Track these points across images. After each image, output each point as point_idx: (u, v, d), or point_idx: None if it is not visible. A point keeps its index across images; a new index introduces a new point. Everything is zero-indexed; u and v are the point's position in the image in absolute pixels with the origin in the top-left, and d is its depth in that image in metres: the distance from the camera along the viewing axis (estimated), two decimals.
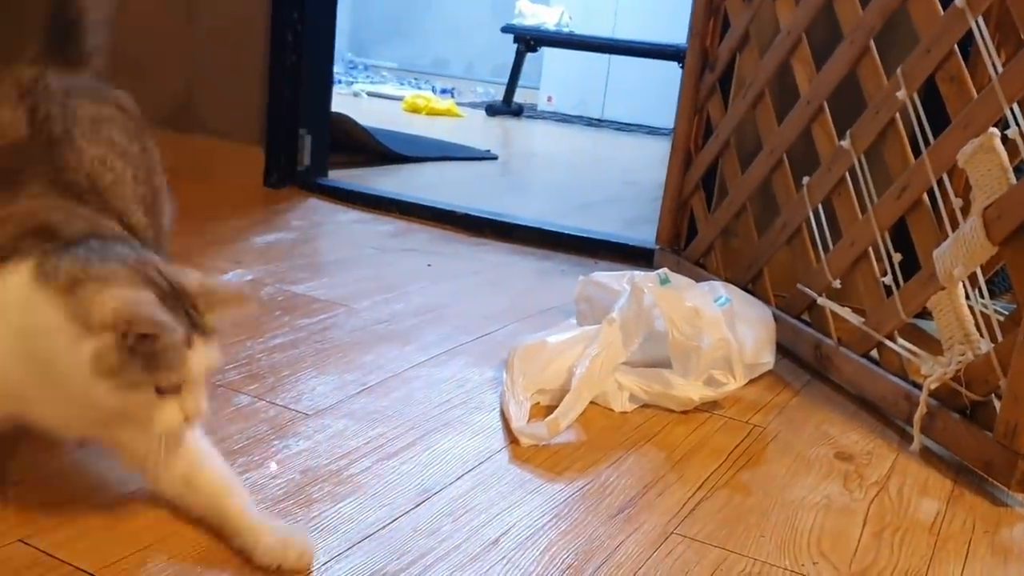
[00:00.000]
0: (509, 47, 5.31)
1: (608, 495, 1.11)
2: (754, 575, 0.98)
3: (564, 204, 2.93)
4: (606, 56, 5.46)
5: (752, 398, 1.46)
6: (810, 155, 1.68)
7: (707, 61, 2.03)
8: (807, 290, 1.65)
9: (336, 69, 6.09)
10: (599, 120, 5.59)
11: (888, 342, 1.47)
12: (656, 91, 5.05)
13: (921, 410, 1.34)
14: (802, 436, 1.35)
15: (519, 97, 5.41)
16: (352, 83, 5.78)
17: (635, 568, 0.97)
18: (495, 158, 3.67)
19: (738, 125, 1.90)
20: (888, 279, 1.48)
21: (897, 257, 1.48)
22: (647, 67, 5.11)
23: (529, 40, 5.26)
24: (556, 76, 5.73)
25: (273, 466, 1.09)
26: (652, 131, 5.22)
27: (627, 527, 1.05)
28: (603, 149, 4.62)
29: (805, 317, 1.68)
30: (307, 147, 2.56)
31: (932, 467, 1.29)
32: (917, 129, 1.45)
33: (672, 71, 4.26)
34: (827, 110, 1.64)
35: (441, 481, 1.10)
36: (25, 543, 0.89)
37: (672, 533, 1.05)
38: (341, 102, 4.32)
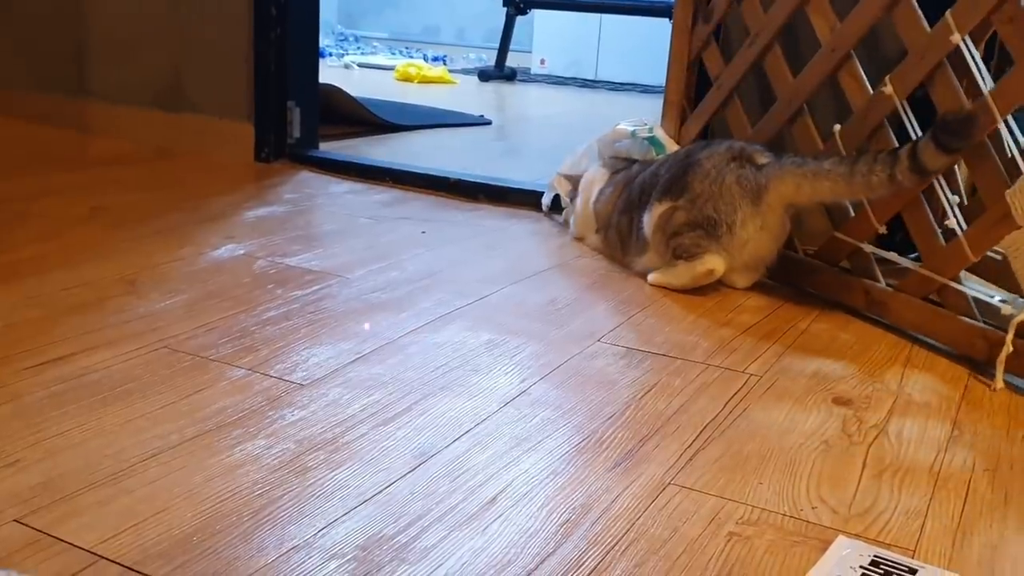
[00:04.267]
0: (499, 11, 5.26)
1: (605, 450, 1.11)
2: (752, 522, 0.98)
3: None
4: (597, 16, 5.42)
5: (748, 347, 1.46)
6: (821, 103, 1.69)
7: (698, 12, 2.01)
8: (847, 239, 1.65)
9: (327, 42, 6.08)
10: (593, 81, 5.55)
11: (955, 284, 1.47)
12: (649, 49, 5.01)
13: (1007, 349, 1.35)
14: (799, 383, 1.34)
15: (512, 61, 5.37)
16: (343, 55, 5.74)
17: (632, 520, 0.97)
18: (489, 123, 3.65)
19: (741, 77, 1.89)
20: (952, 222, 1.49)
21: (955, 199, 1.50)
22: (638, 25, 5.07)
23: (519, 3, 5.21)
24: (548, 38, 5.68)
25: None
26: (646, 89, 5.19)
27: (624, 480, 1.04)
28: (597, 109, 4.59)
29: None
30: (296, 120, 2.55)
31: (931, 409, 1.29)
32: (976, 72, 1.45)
33: (663, 28, 4.21)
34: (855, 57, 1.64)
35: (438, 444, 1.10)
36: (20, 523, 0.89)
37: (669, 484, 1.04)
38: (333, 75, 4.30)
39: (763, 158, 1.66)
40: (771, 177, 1.62)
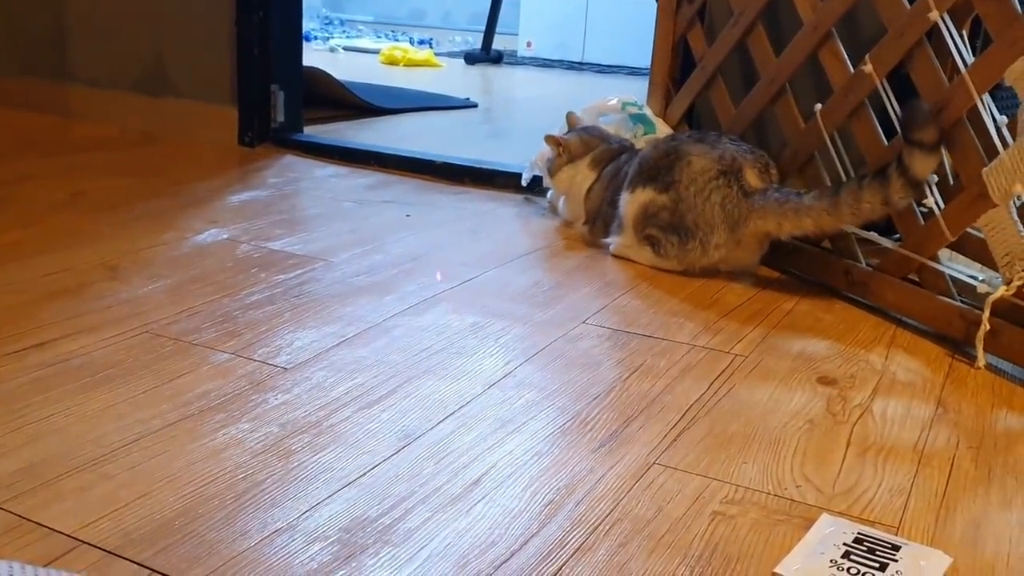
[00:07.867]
0: None
1: (589, 430, 1.11)
2: (737, 501, 0.98)
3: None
4: None
5: (733, 328, 1.46)
6: (802, 83, 1.68)
7: None
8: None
9: (312, 25, 6.03)
10: (579, 63, 5.53)
11: (933, 264, 1.48)
12: (635, 31, 4.99)
13: (984, 328, 1.36)
14: (784, 363, 1.34)
15: (498, 44, 5.34)
16: (328, 39, 5.71)
17: (616, 500, 0.97)
18: (475, 106, 3.63)
19: (725, 57, 1.89)
20: (929, 201, 1.49)
21: (933, 178, 1.50)
22: (625, 7, 5.06)
23: None
24: (534, 21, 5.66)
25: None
26: (632, 72, 5.17)
27: (608, 460, 1.04)
28: (584, 92, 4.57)
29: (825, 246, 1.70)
30: (280, 103, 2.53)
31: (915, 388, 1.29)
32: (954, 50, 1.45)
33: (649, 9, 4.20)
34: (836, 36, 1.64)
35: (422, 426, 1.10)
36: (1, 508, 0.88)
37: (654, 464, 1.04)
38: (318, 58, 4.27)
39: (753, 177, 1.64)
40: (752, 212, 1.62)
